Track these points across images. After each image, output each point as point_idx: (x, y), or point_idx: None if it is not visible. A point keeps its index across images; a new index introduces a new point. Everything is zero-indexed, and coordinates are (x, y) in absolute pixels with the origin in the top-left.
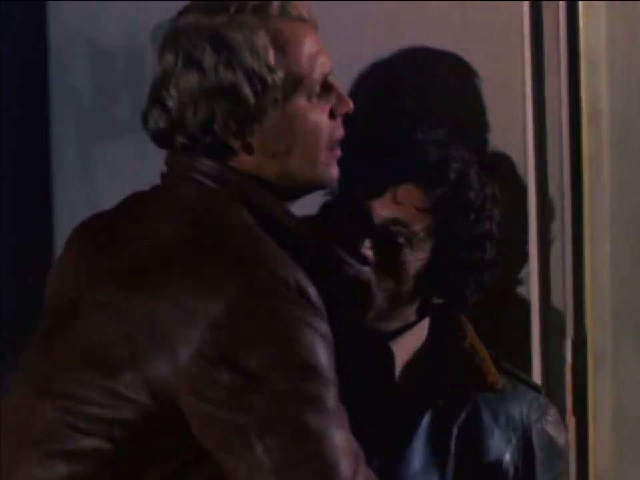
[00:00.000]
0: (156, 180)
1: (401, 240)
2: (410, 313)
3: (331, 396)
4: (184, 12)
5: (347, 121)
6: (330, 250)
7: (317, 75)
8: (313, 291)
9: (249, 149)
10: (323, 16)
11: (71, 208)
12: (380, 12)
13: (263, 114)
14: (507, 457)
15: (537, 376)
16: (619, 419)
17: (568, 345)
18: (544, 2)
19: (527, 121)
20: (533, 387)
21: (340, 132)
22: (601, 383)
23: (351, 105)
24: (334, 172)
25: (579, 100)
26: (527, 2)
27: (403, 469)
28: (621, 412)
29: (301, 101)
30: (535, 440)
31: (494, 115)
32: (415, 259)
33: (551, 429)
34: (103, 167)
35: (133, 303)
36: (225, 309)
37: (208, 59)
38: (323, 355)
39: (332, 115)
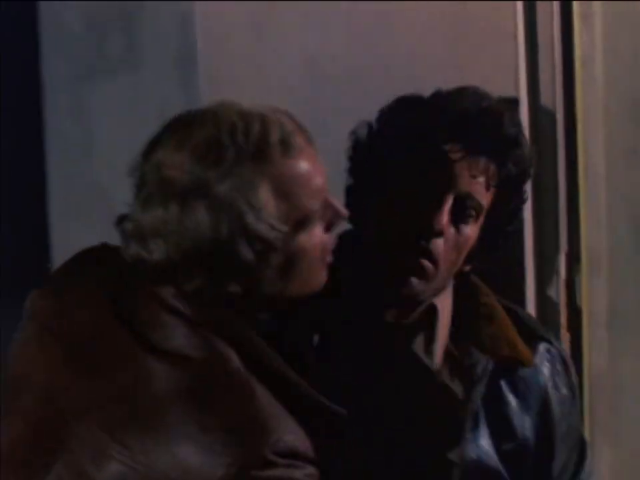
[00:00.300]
0: (150, 116)
1: (471, 214)
2: (450, 281)
3: None
4: (164, 145)
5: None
6: (310, 396)
7: (318, 204)
8: (310, 451)
9: (245, 292)
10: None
11: (65, 147)
12: (372, 12)
13: (263, 266)
14: (528, 423)
15: (530, 293)
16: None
17: (562, 259)
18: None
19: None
20: (544, 338)
21: (332, 242)
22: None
23: (345, 213)
24: (323, 278)
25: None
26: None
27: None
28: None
29: (302, 236)
30: (552, 398)
31: None
32: (475, 231)
33: (563, 381)
34: (96, 104)
35: (119, 449)
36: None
37: (203, 218)
38: None
39: (327, 229)
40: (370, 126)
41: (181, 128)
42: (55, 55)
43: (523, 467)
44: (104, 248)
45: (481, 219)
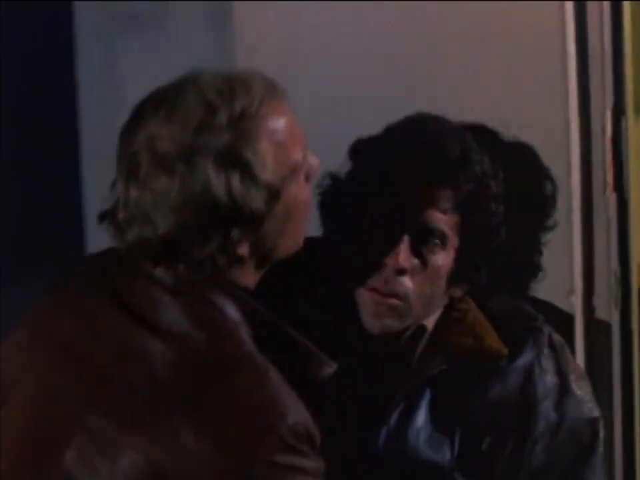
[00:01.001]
0: (180, 73)
1: (435, 243)
2: (439, 305)
3: None
4: (151, 121)
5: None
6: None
7: (302, 154)
8: (317, 434)
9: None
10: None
11: (95, 100)
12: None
13: (269, 218)
14: (499, 417)
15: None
16: None
17: (607, 115)
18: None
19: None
20: (530, 317)
21: (310, 194)
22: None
23: (317, 164)
24: (302, 239)
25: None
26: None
27: (408, 438)
28: None
29: (294, 186)
30: (536, 381)
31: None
32: (447, 258)
33: (550, 366)
34: (125, 57)
35: (129, 439)
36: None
37: (211, 175)
38: None
39: (306, 179)
40: (333, 177)
41: (164, 101)
42: (86, 10)
43: (483, 459)
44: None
45: (453, 244)
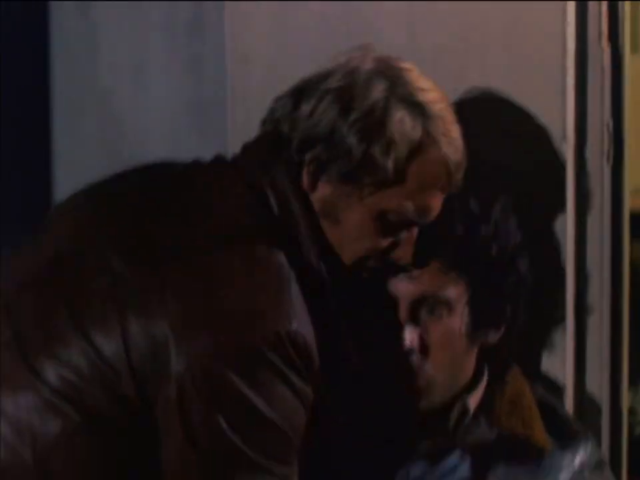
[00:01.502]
0: (156, 20)
1: (439, 313)
2: (470, 365)
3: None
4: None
5: None
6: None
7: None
8: (317, 359)
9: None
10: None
11: (69, 46)
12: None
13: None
14: None
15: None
16: None
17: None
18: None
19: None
20: (579, 433)
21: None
22: None
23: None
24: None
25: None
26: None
27: None
28: None
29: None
30: None
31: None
32: (457, 318)
33: (597, 478)
34: (101, 3)
35: (144, 280)
36: (231, 355)
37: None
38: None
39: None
40: None
41: None
42: None
43: None
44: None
45: (460, 302)
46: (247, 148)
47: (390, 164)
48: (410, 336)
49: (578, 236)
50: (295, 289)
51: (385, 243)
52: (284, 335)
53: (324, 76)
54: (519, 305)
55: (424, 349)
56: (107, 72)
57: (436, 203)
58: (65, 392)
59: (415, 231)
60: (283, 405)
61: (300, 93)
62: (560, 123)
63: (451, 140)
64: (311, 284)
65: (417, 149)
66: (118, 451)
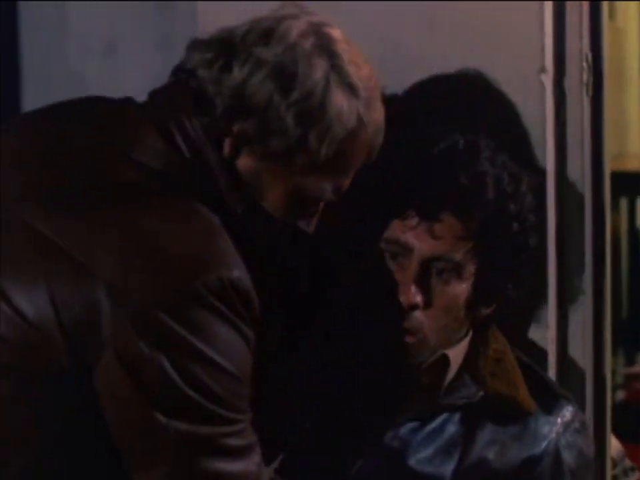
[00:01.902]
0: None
1: (446, 275)
2: (462, 333)
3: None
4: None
5: None
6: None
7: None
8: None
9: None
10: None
11: (39, 28)
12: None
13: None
14: (534, 464)
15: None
16: None
17: None
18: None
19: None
20: (561, 395)
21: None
22: None
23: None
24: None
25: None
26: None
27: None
28: None
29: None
30: (565, 454)
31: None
32: (463, 286)
33: (580, 440)
34: None
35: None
36: (166, 308)
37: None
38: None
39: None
40: None
41: None
42: None
43: None
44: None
45: (469, 270)
46: (165, 98)
47: (324, 149)
48: (414, 290)
49: (558, 172)
50: (228, 239)
51: (295, 218)
52: (226, 281)
53: (257, 38)
54: (520, 284)
55: (426, 307)
56: (76, 53)
57: (349, 182)
58: None
59: (321, 206)
60: (231, 350)
61: (230, 51)
62: (539, 54)
63: (377, 123)
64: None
65: (350, 133)
66: (54, 418)
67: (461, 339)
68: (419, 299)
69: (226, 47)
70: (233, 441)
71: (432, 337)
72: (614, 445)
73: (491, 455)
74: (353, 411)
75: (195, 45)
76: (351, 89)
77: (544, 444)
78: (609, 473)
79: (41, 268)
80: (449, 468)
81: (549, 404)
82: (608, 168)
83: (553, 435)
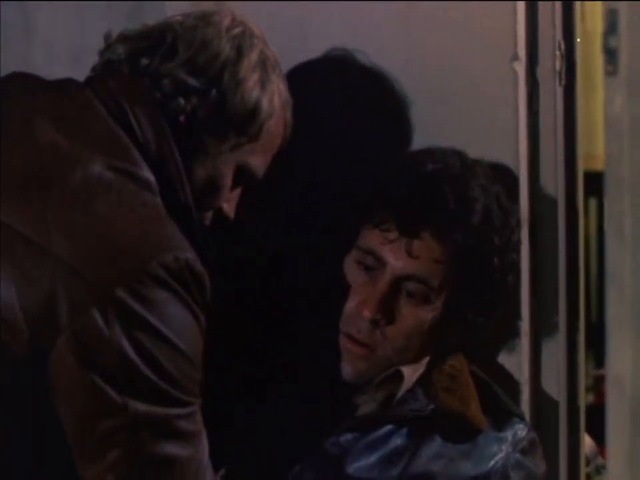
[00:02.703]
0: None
1: (416, 298)
2: (415, 356)
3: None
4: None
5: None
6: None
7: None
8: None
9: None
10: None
11: (2, 30)
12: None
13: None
14: None
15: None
16: None
17: None
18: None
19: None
20: (514, 413)
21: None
22: None
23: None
24: None
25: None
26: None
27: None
28: None
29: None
30: (512, 475)
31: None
32: (432, 313)
33: (529, 461)
34: None
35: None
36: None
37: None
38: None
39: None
40: None
41: None
42: None
43: None
44: None
45: (441, 296)
46: (109, 78)
47: (257, 123)
48: (374, 306)
49: (531, 160)
50: (176, 227)
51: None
52: (182, 261)
53: (195, 23)
54: (492, 319)
55: (388, 324)
56: (43, 61)
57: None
58: None
59: (239, 190)
60: (185, 331)
61: (169, 38)
62: (511, 42)
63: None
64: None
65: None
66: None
67: (418, 360)
68: (380, 315)
69: (163, 35)
70: (185, 425)
71: (385, 357)
72: (587, 443)
73: (436, 468)
74: (294, 414)
75: (123, 39)
76: (274, 66)
77: (491, 462)
78: (583, 470)
79: (2, 253)
80: (390, 476)
81: (501, 421)
82: (581, 156)
83: (502, 454)
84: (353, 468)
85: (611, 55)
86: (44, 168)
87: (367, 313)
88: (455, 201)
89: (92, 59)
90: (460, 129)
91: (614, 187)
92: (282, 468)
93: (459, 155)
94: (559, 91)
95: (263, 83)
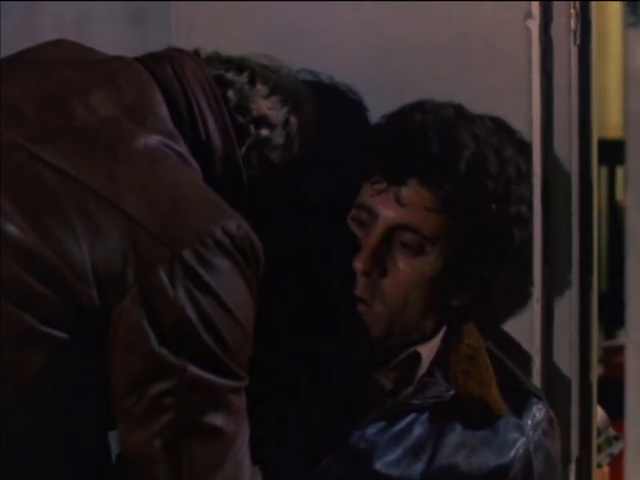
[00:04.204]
0: None
1: (411, 248)
2: (426, 324)
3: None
4: None
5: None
6: None
7: None
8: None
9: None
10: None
11: None
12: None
13: None
14: (505, 471)
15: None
16: None
17: None
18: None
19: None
20: (531, 392)
21: None
22: None
23: None
24: None
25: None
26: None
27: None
28: None
29: None
30: (534, 459)
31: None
32: (430, 264)
33: (548, 442)
34: None
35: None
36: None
37: None
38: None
39: None
40: None
41: None
42: None
43: None
44: None
45: (440, 248)
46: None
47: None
48: (364, 257)
49: (544, 120)
50: None
51: None
52: (244, 230)
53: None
54: (499, 277)
55: (382, 275)
56: (49, 28)
57: None
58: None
59: None
60: (243, 303)
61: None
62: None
63: None
64: None
65: None
66: (56, 372)
67: (433, 335)
68: (372, 265)
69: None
70: (235, 399)
71: (383, 313)
72: (599, 414)
73: (459, 459)
74: (319, 406)
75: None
76: None
77: (513, 451)
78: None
79: (69, 207)
80: (416, 471)
81: (519, 403)
82: (595, 118)
83: (523, 439)
84: (380, 463)
85: (632, 5)
86: (106, 132)
87: (359, 265)
88: (441, 147)
89: (95, 27)
90: (472, 87)
91: (636, 144)
92: (310, 459)
93: (456, 107)
94: (574, 50)
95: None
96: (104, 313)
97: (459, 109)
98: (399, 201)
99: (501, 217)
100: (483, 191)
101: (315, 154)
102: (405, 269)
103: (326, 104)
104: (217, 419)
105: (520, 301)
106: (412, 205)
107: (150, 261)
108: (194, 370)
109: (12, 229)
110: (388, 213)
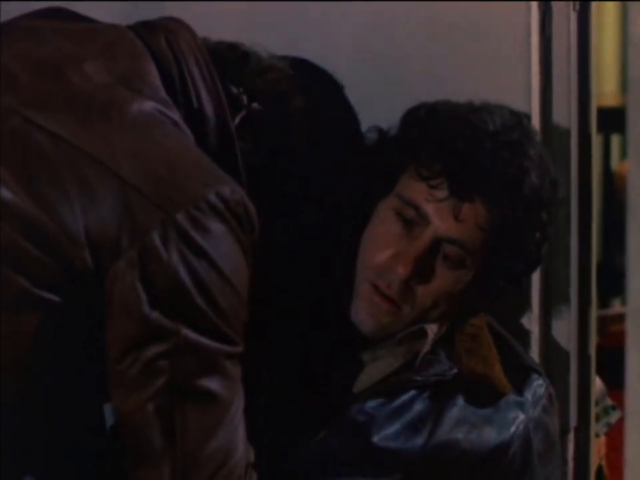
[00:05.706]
0: None
1: (452, 261)
2: (440, 320)
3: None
4: None
5: None
6: None
7: None
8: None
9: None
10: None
11: None
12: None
13: None
14: (505, 448)
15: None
16: None
17: None
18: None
19: None
20: (532, 368)
21: None
22: None
23: None
24: None
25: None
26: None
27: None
28: None
29: None
30: (534, 437)
31: None
32: (462, 278)
33: (547, 419)
34: None
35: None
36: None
37: None
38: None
39: None
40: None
41: None
42: None
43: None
44: None
45: (475, 263)
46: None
47: None
48: (411, 266)
49: (543, 88)
50: None
51: None
52: (238, 195)
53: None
54: (519, 287)
55: (419, 284)
56: None
57: None
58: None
59: None
60: (237, 268)
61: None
62: None
63: None
64: None
65: None
66: (53, 337)
67: (443, 320)
68: (413, 272)
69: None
70: (229, 365)
71: (410, 315)
72: (596, 383)
73: (459, 435)
74: (319, 378)
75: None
76: None
77: (513, 428)
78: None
79: (64, 171)
80: (415, 445)
81: (520, 379)
82: (594, 84)
83: (523, 417)
84: (378, 437)
85: None
86: (101, 97)
87: (401, 271)
88: (513, 170)
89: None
90: (471, 55)
91: (637, 112)
92: (308, 430)
93: (515, 115)
94: (573, 17)
95: None
96: (98, 277)
97: (518, 118)
98: (457, 217)
99: (541, 240)
100: (537, 219)
101: (309, 140)
102: (442, 279)
103: (315, 91)
104: (212, 384)
105: None
106: (467, 222)
107: (144, 224)
108: (188, 333)
109: (6, 193)
110: (443, 225)
